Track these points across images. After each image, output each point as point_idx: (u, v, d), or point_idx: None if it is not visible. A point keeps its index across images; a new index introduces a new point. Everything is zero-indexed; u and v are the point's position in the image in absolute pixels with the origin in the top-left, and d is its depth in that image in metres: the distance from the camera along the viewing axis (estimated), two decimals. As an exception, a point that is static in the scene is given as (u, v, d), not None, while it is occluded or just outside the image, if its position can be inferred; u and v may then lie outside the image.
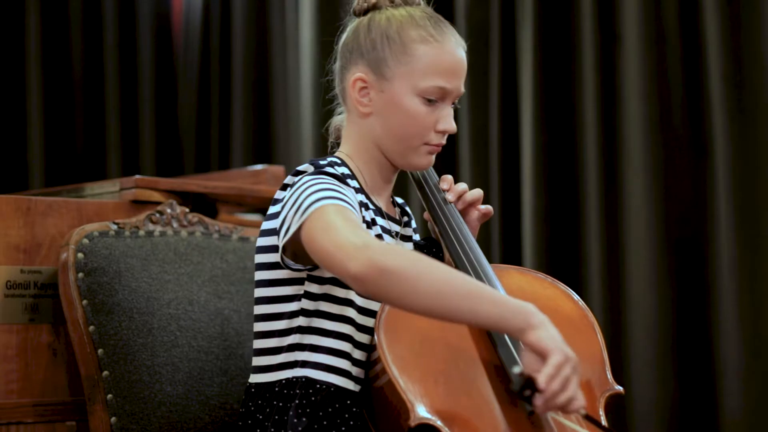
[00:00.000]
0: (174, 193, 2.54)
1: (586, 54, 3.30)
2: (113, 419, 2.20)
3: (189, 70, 4.48)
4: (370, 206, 1.98)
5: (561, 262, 3.31)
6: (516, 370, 1.70)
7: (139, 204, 2.47)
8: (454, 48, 1.97)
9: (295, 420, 1.88)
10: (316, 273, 1.92)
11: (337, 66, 2.04)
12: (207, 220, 2.45)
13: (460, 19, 3.57)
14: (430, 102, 1.95)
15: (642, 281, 3.15)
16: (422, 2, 2.03)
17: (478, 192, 2.09)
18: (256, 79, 4.28)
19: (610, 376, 1.91)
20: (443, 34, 1.96)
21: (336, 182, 1.88)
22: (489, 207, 2.10)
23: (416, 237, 2.12)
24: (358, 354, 1.92)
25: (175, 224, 2.41)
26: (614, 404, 3.13)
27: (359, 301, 1.92)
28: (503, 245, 3.45)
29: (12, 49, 4.41)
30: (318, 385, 1.90)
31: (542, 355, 1.69)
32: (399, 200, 2.14)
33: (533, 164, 3.36)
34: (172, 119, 4.50)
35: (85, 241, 2.26)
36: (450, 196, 2.05)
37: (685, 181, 3.15)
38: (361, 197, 1.96)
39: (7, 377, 2.23)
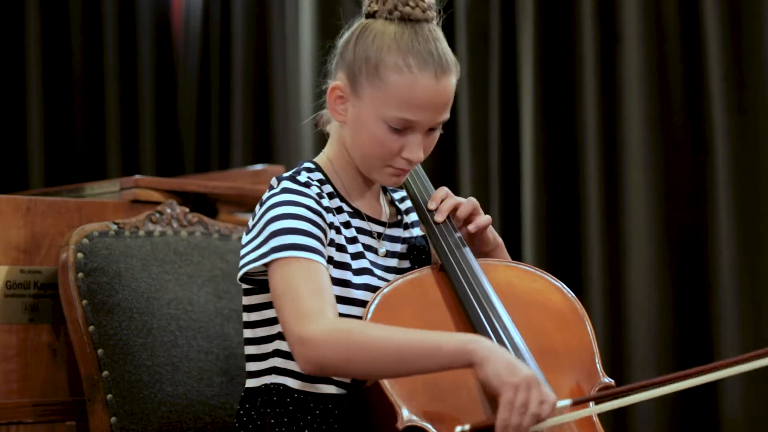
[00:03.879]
0: (174, 193, 2.54)
1: (587, 54, 3.30)
2: (113, 419, 2.20)
3: (189, 70, 4.48)
4: (345, 209, 1.97)
5: (561, 262, 3.31)
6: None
7: (139, 204, 2.47)
8: (429, 82, 1.87)
9: (277, 429, 1.90)
10: None
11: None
12: (207, 220, 2.45)
13: (460, 19, 3.57)
14: (397, 130, 1.89)
15: (642, 281, 3.15)
16: (430, 16, 1.94)
17: (469, 206, 2.01)
18: (256, 79, 4.28)
19: (600, 368, 1.91)
20: (423, 65, 1.87)
21: (296, 205, 1.87)
22: (484, 220, 2.02)
23: (415, 231, 2.08)
24: None
25: (175, 224, 2.41)
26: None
27: (342, 309, 1.91)
28: (503, 245, 3.44)
29: (12, 49, 4.41)
30: (295, 394, 1.91)
31: (494, 393, 1.69)
32: (398, 195, 2.11)
33: (533, 164, 3.36)
34: (172, 119, 4.50)
35: (85, 241, 2.26)
36: (439, 218, 1.99)
37: (685, 180, 3.15)
38: (335, 201, 1.95)
39: (7, 377, 2.23)
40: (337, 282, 1.91)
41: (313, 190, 1.92)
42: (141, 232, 2.34)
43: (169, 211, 2.41)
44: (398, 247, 2.03)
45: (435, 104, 1.89)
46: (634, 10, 3.20)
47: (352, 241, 1.96)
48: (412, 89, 1.87)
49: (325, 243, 1.89)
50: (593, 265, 3.25)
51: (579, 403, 1.74)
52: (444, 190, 2.03)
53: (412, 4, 1.92)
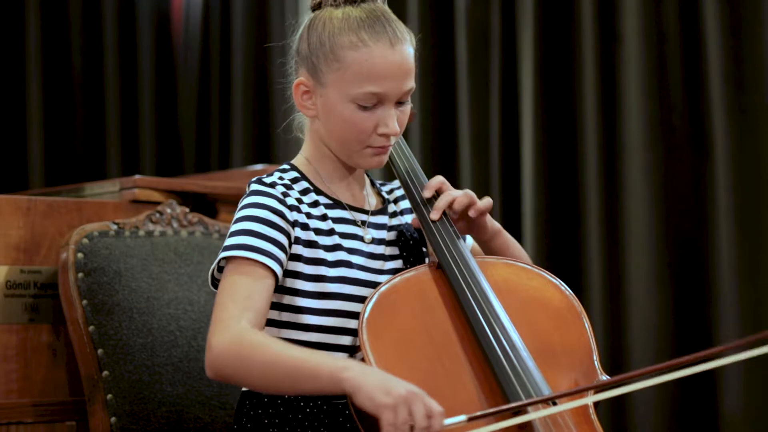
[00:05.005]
0: (174, 193, 2.54)
1: (586, 54, 3.30)
2: (113, 419, 2.20)
3: (189, 70, 4.48)
4: (323, 201, 1.99)
5: (561, 262, 3.31)
6: None
7: (139, 204, 2.47)
8: (386, 51, 1.91)
9: (271, 430, 1.92)
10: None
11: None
12: (207, 220, 2.45)
13: (460, 19, 3.57)
14: (366, 107, 1.92)
15: (642, 281, 3.15)
16: None
17: (465, 199, 2.01)
18: (256, 79, 4.28)
19: (598, 366, 1.90)
20: (376, 36, 1.91)
21: (257, 207, 1.91)
22: (483, 204, 2.02)
23: (405, 219, 2.08)
24: (340, 356, 1.93)
25: (175, 224, 2.41)
26: (614, 402, 3.15)
27: (318, 304, 1.93)
28: (503, 245, 3.44)
29: (12, 49, 4.41)
30: (286, 396, 1.92)
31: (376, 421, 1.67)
32: (387, 187, 2.12)
33: (533, 164, 3.36)
34: (172, 119, 4.50)
35: (85, 241, 2.26)
36: (434, 215, 1.99)
37: (685, 181, 3.15)
38: (310, 196, 1.97)
39: (7, 377, 2.23)
40: (312, 278, 1.93)
41: (278, 190, 1.95)
42: (141, 232, 2.34)
43: (169, 211, 2.41)
44: (384, 234, 2.04)
45: (396, 72, 1.92)
46: (634, 10, 3.20)
47: (329, 233, 1.97)
48: (370, 61, 1.91)
49: (286, 243, 1.91)
50: (593, 264, 3.25)
51: (475, 419, 1.69)
52: (439, 179, 2.04)
53: None
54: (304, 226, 1.94)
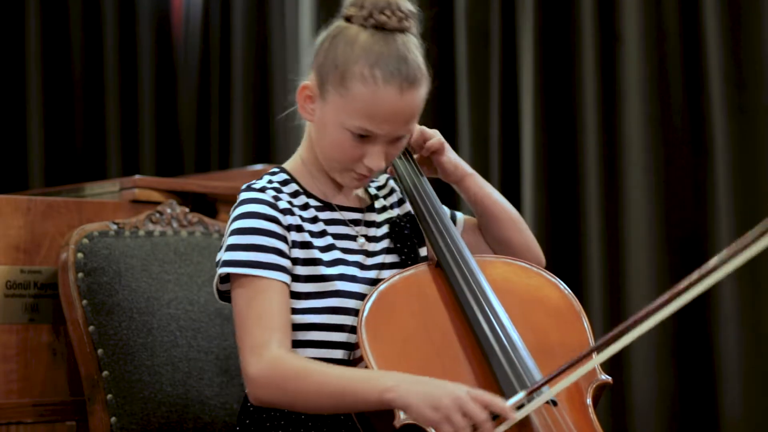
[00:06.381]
0: (174, 193, 2.54)
1: (586, 54, 3.29)
2: (113, 419, 2.20)
3: (189, 70, 4.48)
4: (313, 204, 1.98)
5: (561, 262, 3.31)
6: None
7: (139, 204, 2.47)
8: (393, 96, 1.86)
9: (273, 431, 1.92)
10: None
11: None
12: (207, 220, 2.46)
13: (460, 19, 3.57)
14: (359, 136, 1.90)
15: (642, 281, 3.15)
16: (406, 27, 1.92)
17: (416, 136, 2.09)
18: (256, 78, 4.28)
19: (597, 365, 1.90)
20: (390, 78, 1.86)
21: (252, 217, 1.90)
22: (433, 143, 2.10)
23: (396, 211, 2.09)
24: (339, 354, 1.93)
25: (175, 224, 2.41)
26: (614, 402, 3.15)
27: (316, 303, 1.93)
28: (503, 245, 3.44)
29: (12, 48, 4.41)
30: None
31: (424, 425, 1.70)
32: (375, 184, 2.12)
33: (533, 164, 3.36)
34: (172, 119, 4.50)
35: (85, 241, 2.26)
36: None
37: (685, 181, 3.15)
38: (300, 198, 1.97)
39: (7, 377, 2.23)
40: (309, 279, 1.93)
41: (269, 194, 1.94)
42: (141, 232, 2.34)
43: (169, 211, 2.41)
44: (375, 231, 2.04)
45: (397, 118, 1.89)
46: (634, 10, 3.20)
47: (320, 234, 1.97)
48: (374, 101, 1.87)
49: (286, 249, 1.91)
50: (593, 264, 3.25)
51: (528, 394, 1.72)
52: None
53: (388, 12, 1.91)
54: (299, 228, 1.94)
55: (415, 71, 1.89)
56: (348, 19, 1.94)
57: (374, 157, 1.91)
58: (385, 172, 2.13)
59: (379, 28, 1.90)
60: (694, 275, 1.64)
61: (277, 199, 1.94)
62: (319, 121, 1.95)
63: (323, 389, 1.78)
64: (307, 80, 1.97)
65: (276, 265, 1.88)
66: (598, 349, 1.74)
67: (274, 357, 1.81)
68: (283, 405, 1.85)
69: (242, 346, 1.85)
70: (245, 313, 1.86)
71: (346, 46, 1.90)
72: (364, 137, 1.90)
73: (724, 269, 1.61)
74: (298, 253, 1.93)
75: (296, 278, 1.92)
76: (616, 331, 1.71)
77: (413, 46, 1.91)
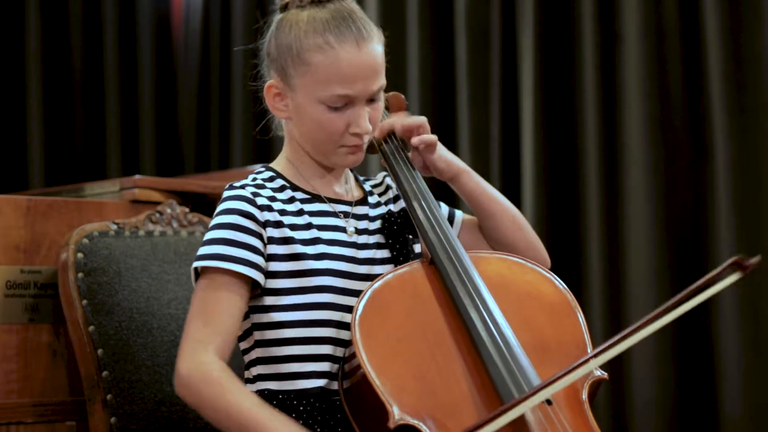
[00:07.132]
0: (174, 193, 2.54)
1: (586, 54, 3.29)
2: (113, 419, 2.20)
3: (189, 70, 4.48)
4: (299, 197, 1.99)
5: (561, 262, 3.31)
6: None
7: (139, 204, 2.47)
8: (352, 52, 1.91)
9: None
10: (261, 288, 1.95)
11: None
12: (207, 220, 2.45)
13: (460, 19, 3.57)
14: (336, 108, 1.93)
15: (642, 281, 3.15)
16: None
17: (410, 122, 2.06)
18: (256, 79, 4.28)
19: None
20: (342, 38, 1.91)
21: (228, 213, 1.92)
22: (427, 138, 2.06)
23: (390, 207, 2.09)
24: (327, 349, 1.93)
25: (175, 224, 2.41)
26: (614, 401, 3.15)
27: (300, 299, 1.93)
28: (503, 245, 3.44)
29: (12, 48, 4.41)
30: (280, 396, 1.93)
31: None
32: (371, 182, 2.13)
33: (533, 164, 3.36)
34: (172, 119, 4.50)
35: (85, 241, 2.26)
36: (376, 133, 2.04)
37: (685, 181, 3.15)
38: (286, 193, 1.98)
39: (7, 377, 2.24)
40: (291, 274, 1.93)
41: (248, 191, 1.95)
42: (141, 232, 2.34)
43: (169, 211, 2.41)
44: (367, 224, 2.04)
45: (364, 73, 1.93)
46: (634, 10, 3.20)
47: (306, 227, 1.97)
48: (337, 64, 1.91)
49: (260, 245, 1.92)
50: (593, 264, 3.25)
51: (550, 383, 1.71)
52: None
53: None
54: (277, 224, 1.94)
55: (364, 24, 1.95)
56: (284, 8, 1.99)
57: (359, 122, 1.94)
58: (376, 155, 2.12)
59: (316, 2, 1.96)
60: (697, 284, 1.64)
61: (256, 195, 1.95)
62: (294, 111, 1.97)
63: (230, 411, 1.81)
64: (269, 80, 2.00)
65: (243, 259, 1.89)
66: (595, 356, 1.73)
67: (204, 362, 1.85)
68: (194, 407, 1.89)
69: (185, 335, 1.88)
70: (199, 304, 1.89)
71: (293, 29, 1.95)
72: (341, 108, 1.92)
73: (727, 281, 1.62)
74: (276, 249, 1.93)
75: (276, 274, 1.93)
76: (613, 340, 1.70)
77: (354, 6, 1.98)
